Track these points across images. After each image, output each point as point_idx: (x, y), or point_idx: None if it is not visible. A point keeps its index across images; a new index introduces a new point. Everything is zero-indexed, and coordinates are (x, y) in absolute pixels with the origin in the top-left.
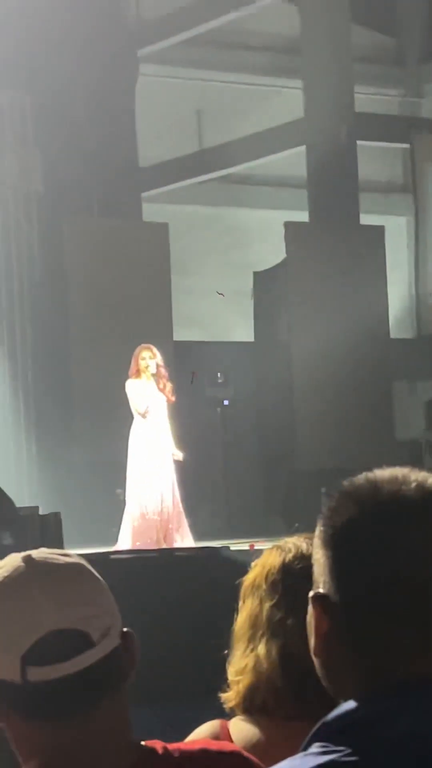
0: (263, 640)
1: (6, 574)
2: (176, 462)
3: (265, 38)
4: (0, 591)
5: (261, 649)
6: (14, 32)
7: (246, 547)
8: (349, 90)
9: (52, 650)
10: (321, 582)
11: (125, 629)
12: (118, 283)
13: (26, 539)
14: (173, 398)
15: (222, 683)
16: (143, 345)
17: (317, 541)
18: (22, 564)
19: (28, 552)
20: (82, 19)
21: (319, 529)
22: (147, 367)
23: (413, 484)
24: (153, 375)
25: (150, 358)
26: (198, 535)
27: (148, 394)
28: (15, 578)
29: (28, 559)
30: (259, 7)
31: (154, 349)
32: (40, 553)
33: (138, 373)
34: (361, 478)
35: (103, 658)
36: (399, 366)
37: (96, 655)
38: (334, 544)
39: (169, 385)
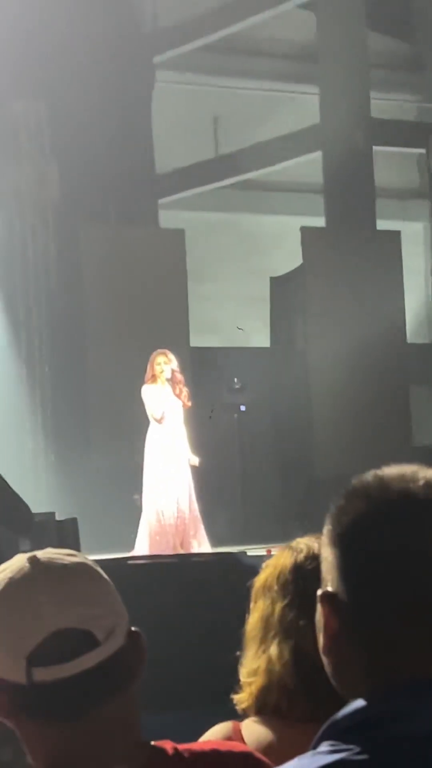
0: (275, 641)
1: (11, 575)
2: (193, 467)
3: (282, 45)
4: (4, 592)
5: (273, 650)
6: (29, 41)
7: (263, 552)
8: (365, 96)
9: (56, 650)
10: (329, 580)
11: (133, 628)
12: (134, 290)
13: (43, 545)
14: (189, 404)
15: (236, 686)
16: (158, 350)
17: (325, 539)
18: (27, 564)
19: (33, 552)
20: (98, 26)
21: (327, 528)
22: (162, 372)
23: (421, 482)
24: (168, 380)
25: (165, 363)
26: (215, 540)
27: (163, 399)
28: (19, 579)
29: (33, 560)
30: (276, 14)
31: (170, 355)
32: (45, 553)
33: (154, 379)
34: (369, 475)
35: (109, 658)
36: (416, 371)
37: (101, 654)
38: (342, 542)
39: (185, 391)
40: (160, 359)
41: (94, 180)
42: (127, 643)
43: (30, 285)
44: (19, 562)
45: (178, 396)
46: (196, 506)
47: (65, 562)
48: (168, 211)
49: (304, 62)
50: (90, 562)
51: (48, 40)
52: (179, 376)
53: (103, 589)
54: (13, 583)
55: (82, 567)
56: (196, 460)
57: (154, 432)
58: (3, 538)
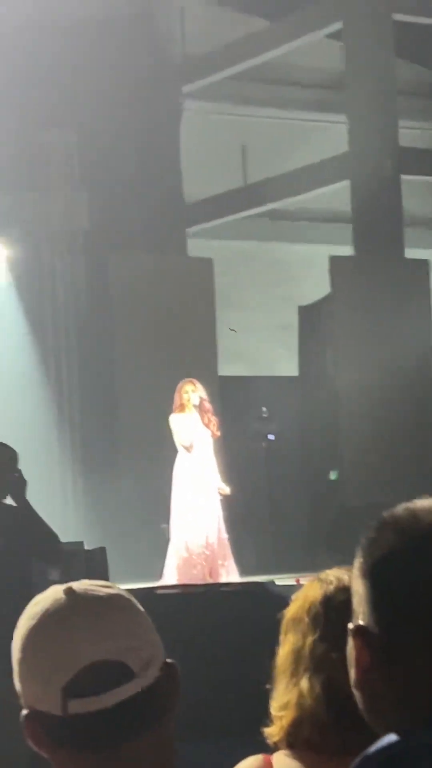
0: (306, 675)
1: (47, 606)
2: (222, 496)
3: (310, 73)
4: (41, 623)
5: (304, 683)
6: (59, 71)
7: (292, 581)
8: (393, 124)
9: (92, 682)
10: (360, 613)
11: (168, 660)
12: (163, 318)
13: (72, 574)
14: (218, 433)
15: (266, 718)
16: (186, 379)
17: (356, 572)
18: (63, 596)
19: (69, 584)
20: (127, 56)
21: (358, 560)
22: (189, 400)
23: None
24: (195, 407)
25: (192, 392)
26: (243, 569)
27: (192, 428)
28: (56, 610)
29: (69, 591)
30: (304, 43)
31: (198, 383)
32: (81, 584)
33: (182, 407)
34: (400, 508)
35: (144, 690)
36: None
37: (136, 686)
38: (374, 575)
39: (214, 420)
40: (188, 388)
41: (123, 209)
42: (162, 674)
43: (59, 313)
44: (54, 593)
45: (207, 425)
46: (224, 535)
47: (101, 593)
48: (196, 239)
49: (332, 91)
50: (126, 594)
51: (77, 71)
52: (208, 405)
53: (139, 621)
54: (49, 614)
55: (118, 599)
56: (226, 489)
57: (182, 461)
58: (33, 568)
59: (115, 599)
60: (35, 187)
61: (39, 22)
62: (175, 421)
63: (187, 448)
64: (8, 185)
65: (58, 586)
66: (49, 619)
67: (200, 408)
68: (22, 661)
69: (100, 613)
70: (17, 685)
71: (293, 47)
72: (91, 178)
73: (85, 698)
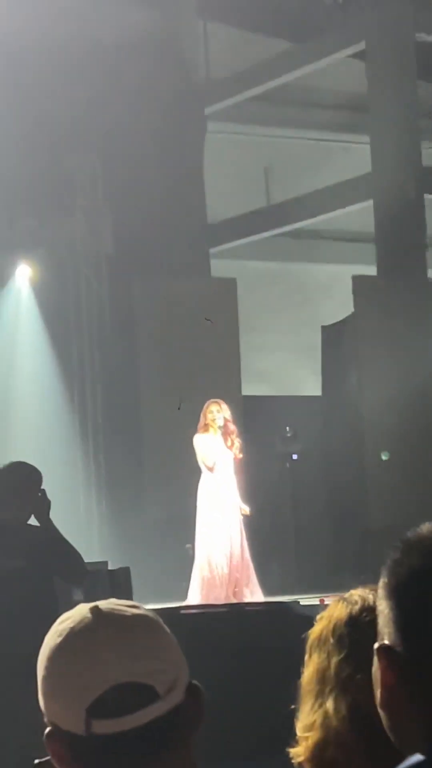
0: (332, 696)
1: (72, 625)
2: (244, 516)
3: (332, 95)
4: (66, 642)
5: (330, 704)
6: (84, 95)
7: (316, 602)
8: (416, 145)
9: (117, 703)
10: (386, 633)
11: (192, 682)
12: (187, 339)
13: (96, 594)
14: (240, 455)
15: (291, 738)
16: (212, 400)
17: (381, 592)
18: (90, 615)
19: (96, 603)
20: (150, 78)
21: (383, 580)
22: (214, 420)
23: None
24: (220, 427)
25: (218, 412)
26: (267, 590)
27: (215, 448)
28: (82, 629)
29: (95, 610)
30: (326, 64)
31: (223, 404)
32: (108, 604)
33: (206, 428)
34: (425, 528)
35: (169, 711)
36: None
37: (161, 708)
38: (399, 595)
39: (237, 442)
40: (213, 408)
41: (147, 231)
42: (187, 696)
43: (83, 335)
44: (81, 612)
45: (230, 447)
46: (248, 555)
47: (128, 613)
48: (220, 260)
49: (355, 112)
50: (152, 614)
51: (102, 94)
52: (232, 427)
53: (165, 642)
54: (74, 633)
55: (145, 619)
56: (246, 509)
57: (206, 481)
58: (57, 587)
59: (141, 619)
60: (60, 210)
61: (64, 47)
62: (199, 441)
63: (210, 469)
64: (33, 208)
65: (85, 605)
66: (75, 637)
67: (224, 429)
68: (47, 678)
69: (127, 633)
70: (41, 702)
71: (316, 68)
72: (115, 201)
73: (109, 719)
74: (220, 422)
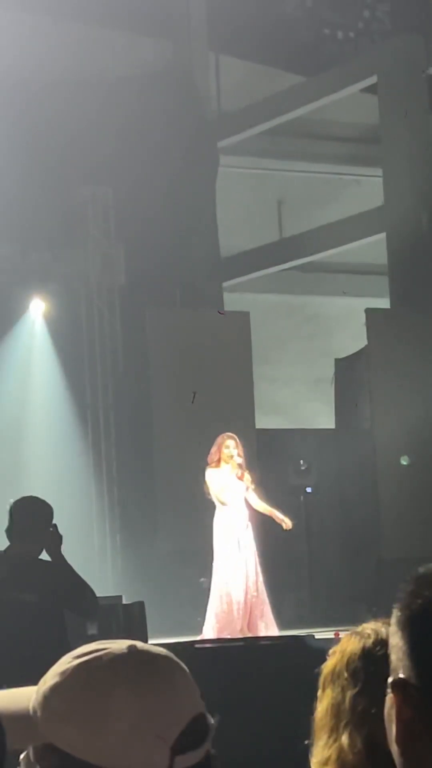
0: (347, 730)
1: (133, 666)
2: (284, 530)
3: (345, 128)
4: (136, 683)
5: (345, 739)
6: (96, 127)
7: (331, 635)
8: (428, 177)
9: (191, 736)
10: (400, 668)
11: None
12: (200, 372)
13: (110, 628)
14: (252, 486)
15: None
16: (226, 434)
17: (394, 626)
18: (129, 651)
19: (129, 642)
20: (163, 112)
21: (396, 614)
22: (231, 456)
23: None
24: (239, 465)
25: (234, 447)
26: (282, 623)
27: (229, 483)
28: (143, 667)
29: (134, 648)
30: (339, 98)
31: (237, 439)
32: (137, 644)
33: (218, 462)
34: None
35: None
36: None
37: (211, 736)
38: (412, 628)
39: (248, 475)
40: (230, 443)
41: (160, 264)
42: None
43: (96, 368)
44: (120, 650)
45: (240, 478)
46: (263, 589)
47: (163, 651)
48: (233, 293)
49: (368, 145)
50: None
51: (113, 127)
52: (240, 461)
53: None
54: (141, 673)
55: (173, 655)
56: (288, 523)
57: (221, 515)
58: (70, 622)
59: (173, 655)
60: (72, 243)
61: (76, 79)
62: (212, 476)
63: (223, 503)
64: (46, 241)
65: (109, 645)
66: (143, 676)
67: (240, 465)
68: (114, 721)
69: (179, 667)
70: (104, 751)
71: (328, 102)
72: (127, 234)
73: (186, 753)
74: (239, 459)
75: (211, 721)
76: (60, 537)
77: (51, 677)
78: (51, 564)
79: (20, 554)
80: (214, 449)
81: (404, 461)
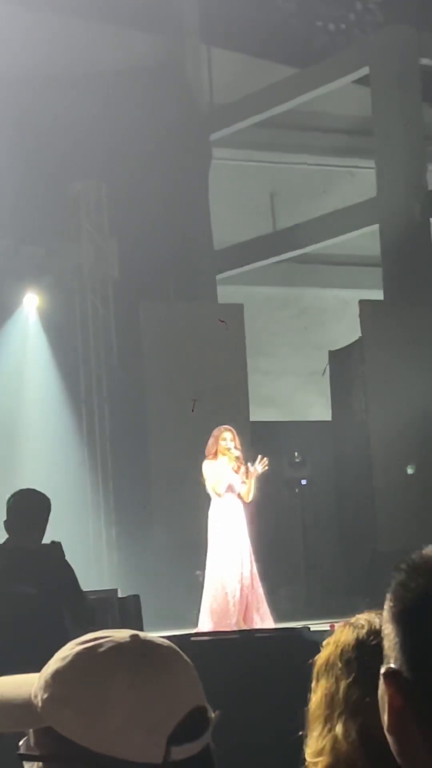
0: (341, 720)
1: (133, 656)
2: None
3: (337, 120)
4: (137, 671)
5: (339, 729)
6: (88, 122)
7: (327, 627)
8: (421, 169)
9: (189, 728)
10: (392, 657)
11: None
12: (194, 365)
13: (106, 622)
14: (247, 480)
15: (301, 765)
16: (224, 426)
17: (386, 615)
18: (132, 641)
19: (130, 631)
20: (155, 106)
21: (388, 603)
22: (228, 449)
23: None
24: (238, 458)
25: (231, 440)
26: (278, 615)
27: (225, 475)
28: (144, 657)
29: (136, 637)
30: (331, 90)
31: (234, 432)
32: (140, 633)
33: (215, 455)
34: (430, 550)
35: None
36: None
37: (211, 729)
38: (404, 618)
39: (243, 468)
40: (227, 435)
41: (153, 257)
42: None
43: (90, 361)
44: (121, 639)
45: (236, 471)
46: (258, 581)
47: (166, 642)
48: (226, 286)
49: (360, 136)
50: None
51: (105, 121)
52: (238, 453)
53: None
54: (142, 662)
55: (176, 648)
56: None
57: (217, 508)
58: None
59: (176, 647)
60: (65, 237)
61: (68, 73)
62: (209, 468)
63: (218, 494)
64: (39, 235)
65: (108, 635)
66: (144, 665)
67: (238, 458)
68: (112, 709)
69: (179, 659)
70: (102, 737)
71: (320, 94)
72: (120, 227)
73: (184, 745)
74: (236, 452)
75: (211, 714)
76: (72, 571)
77: (53, 663)
78: (50, 557)
79: (19, 546)
80: (211, 441)
81: (410, 470)
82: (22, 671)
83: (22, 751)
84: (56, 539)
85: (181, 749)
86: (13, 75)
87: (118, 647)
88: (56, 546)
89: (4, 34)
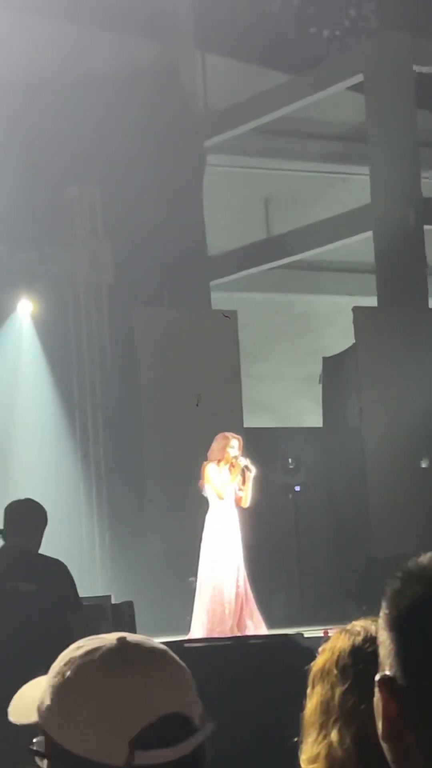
0: (336, 727)
1: (107, 654)
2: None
3: (331, 126)
4: (106, 671)
5: (334, 735)
6: (83, 127)
7: (320, 634)
8: (415, 175)
9: (160, 734)
10: (387, 665)
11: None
12: (188, 371)
13: (99, 628)
14: (243, 489)
15: None
16: (231, 434)
17: (382, 622)
18: (120, 645)
19: (119, 633)
20: (150, 110)
21: (384, 611)
22: (235, 458)
23: None
24: (246, 467)
25: (238, 449)
26: (271, 622)
27: (227, 481)
28: (117, 658)
29: (124, 641)
30: (325, 96)
31: (241, 440)
32: (132, 637)
33: (220, 461)
34: (425, 558)
35: (199, 746)
36: None
37: (196, 741)
38: (400, 626)
39: (240, 478)
40: (234, 443)
41: (147, 263)
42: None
43: (84, 366)
44: (107, 642)
45: (240, 483)
46: (251, 588)
47: (156, 646)
48: (220, 292)
49: (354, 143)
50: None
51: (100, 125)
52: (237, 462)
53: (190, 675)
54: (112, 662)
55: (170, 652)
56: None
57: (214, 512)
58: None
59: (168, 653)
60: (59, 242)
61: (63, 79)
62: (213, 471)
63: (220, 497)
64: (33, 241)
65: (104, 636)
66: (116, 666)
67: (233, 466)
68: (80, 708)
69: (165, 664)
70: (62, 733)
71: (315, 100)
72: (114, 233)
73: (150, 751)
74: (244, 461)
75: (197, 723)
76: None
77: (53, 666)
78: (49, 558)
79: (19, 547)
80: (216, 447)
81: (424, 464)
82: (23, 668)
83: (33, 747)
84: (51, 546)
85: (148, 754)
86: (8, 81)
87: (101, 648)
88: (61, 563)
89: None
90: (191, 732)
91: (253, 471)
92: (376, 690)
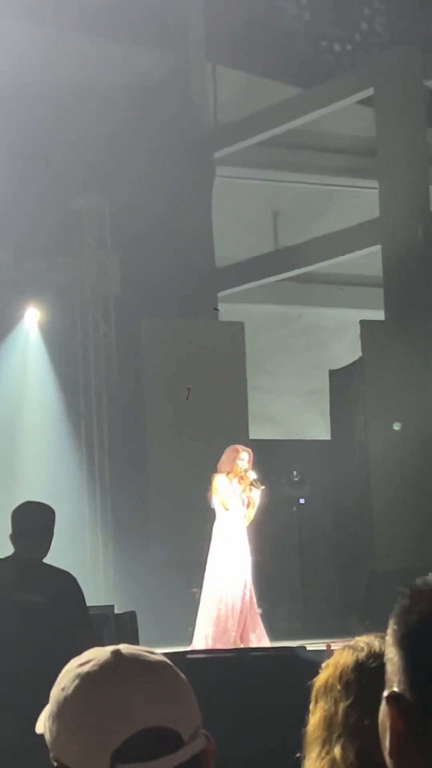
0: (339, 743)
1: (96, 666)
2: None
3: (341, 140)
4: (91, 683)
5: (337, 751)
6: (93, 138)
7: (323, 647)
8: (424, 190)
9: (143, 748)
10: (395, 681)
11: (203, 732)
12: (194, 382)
13: (102, 638)
14: (251, 502)
15: None
16: (242, 447)
17: (390, 639)
18: (112, 657)
19: (115, 646)
20: (159, 122)
21: (392, 628)
22: (246, 470)
23: None
24: (255, 480)
25: (248, 461)
26: (274, 634)
27: (234, 492)
28: (106, 671)
29: (117, 653)
30: (335, 110)
31: (251, 453)
32: (127, 648)
33: (229, 473)
34: None
35: (190, 760)
36: None
37: (184, 756)
38: (408, 643)
39: (248, 492)
40: (244, 455)
41: (155, 274)
42: (207, 745)
43: (91, 377)
44: (102, 654)
45: (248, 498)
46: (255, 600)
47: (150, 658)
48: (228, 304)
49: (363, 157)
50: (168, 661)
51: (109, 137)
52: (255, 476)
53: (186, 688)
54: (100, 674)
55: (167, 664)
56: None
57: (221, 523)
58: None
59: (163, 665)
60: (67, 252)
61: (71, 89)
62: (223, 482)
63: (226, 508)
64: (40, 250)
65: (103, 648)
66: (100, 679)
67: (242, 478)
68: (68, 719)
69: (153, 677)
70: (52, 740)
71: (325, 114)
72: (123, 244)
73: (131, 764)
74: (253, 475)
75: (183, 737)
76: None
77: (58, 680)
78: (58, 570)
79: (26, 558)
80: (226, 459)
81: (396, 427)
82: (30, 680)
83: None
84: (55, 555)
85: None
86: (17, 90)
87: (93, 661)
88: (69, 575)
89: (8, 50)
90: (177, 746)
91: (260, 488)
92: (383, 706)
